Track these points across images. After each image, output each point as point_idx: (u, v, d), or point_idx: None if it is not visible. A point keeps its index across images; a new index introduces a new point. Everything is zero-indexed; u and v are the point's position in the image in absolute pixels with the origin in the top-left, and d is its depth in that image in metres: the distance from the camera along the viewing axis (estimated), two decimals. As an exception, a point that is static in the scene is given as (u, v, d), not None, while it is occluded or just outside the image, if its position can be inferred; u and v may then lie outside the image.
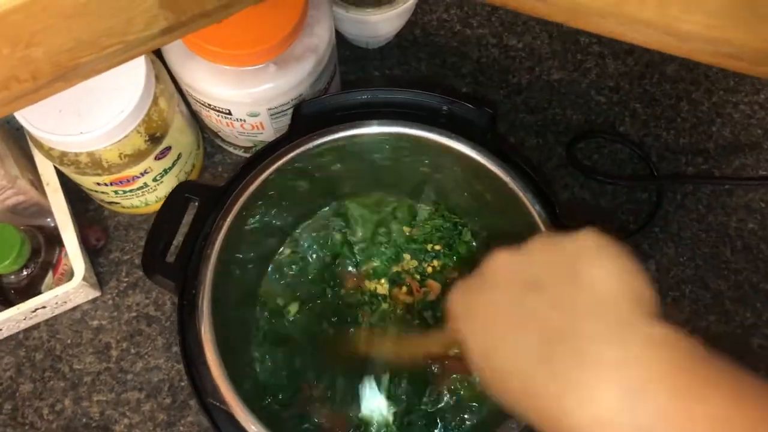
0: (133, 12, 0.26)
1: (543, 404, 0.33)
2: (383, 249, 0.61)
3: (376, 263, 0.61)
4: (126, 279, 0.66)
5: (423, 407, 0.55)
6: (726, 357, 0.31)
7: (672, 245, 0.66)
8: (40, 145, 0.58)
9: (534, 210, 0.48)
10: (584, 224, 0.37)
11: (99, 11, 0.25)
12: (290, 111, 0.59)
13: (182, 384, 0.63)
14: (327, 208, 0.62)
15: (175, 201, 0.50)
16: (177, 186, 0.51)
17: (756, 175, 0.67)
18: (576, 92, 0.71)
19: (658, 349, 0.31)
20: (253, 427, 0.44)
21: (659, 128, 0.69)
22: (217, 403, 0.45)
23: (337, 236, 0.61)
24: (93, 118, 0.54)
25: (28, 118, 0.55)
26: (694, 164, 0.68)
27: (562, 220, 0.48)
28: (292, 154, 0.50)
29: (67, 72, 0.28)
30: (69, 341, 0.64)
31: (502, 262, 0.38)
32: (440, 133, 0.50)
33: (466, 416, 0.55)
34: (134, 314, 0.65)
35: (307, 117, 0.52)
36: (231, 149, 0.69)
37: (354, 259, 0.61)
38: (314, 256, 0.61)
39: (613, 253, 0.35)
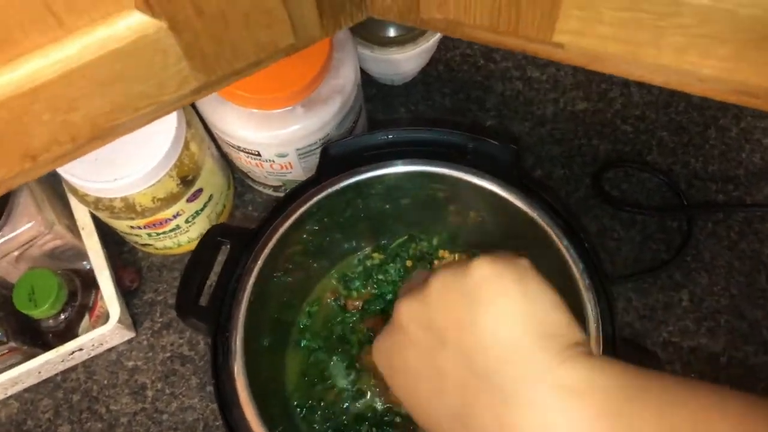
0: (165, 75, 0.27)
1: None
2: None
3: None
4: (160, 319, 0.67)
5: None
6: (655, 376, 0.30)
7: (705, 274, 0.65)
8: (75, 191, 0.59)
9: (562, 245, 0.48)
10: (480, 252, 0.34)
11: (134, 77, 0.26)
12: (318, 150, 0.60)
13: (217, 423, 0.63)
14: (358, 252, 0.63)
15: (207, 245, 0.51)
16: (209, 230, 0.52)
17: (788, 201, 0.67)
18: (602, 122, 0.71)
19: (577, 395, 0.29)
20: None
21: (687, 156, 0.69)
22: (252, 446, 0.45)
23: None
24: (127, 164, 0.56)
25: (65, 165, 0.56)
26: (725, 191, 0.68)
27: (592, 255, 0.48)
28: (320, 196, 0.51)
29: (104, 132, 0.29)
30: (105, 382, 0.65)
31: (405, 312, 0.36)
32: (465, 171, 0.51)
33: None
34: (168, 354, 0.66)
35: (335, 158, 0.53)
36: (261, 188, 0.70)
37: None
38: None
39: (511, 286, 0.32)
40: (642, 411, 0.28)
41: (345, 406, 0.58)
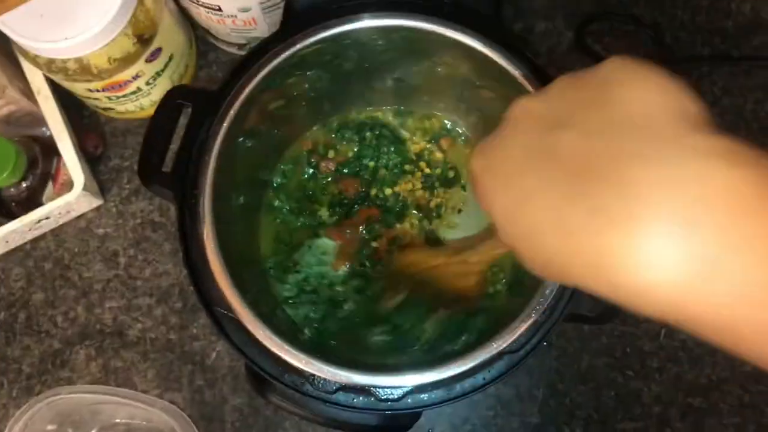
0: None
1: (585, 254, 0.27)
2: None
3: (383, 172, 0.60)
4: (128, 186, 0.65)
5: None
6: None
7: (685, 131, 0.63)
8: (25, 53, 0.55)
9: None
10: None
11: None
12: (282, 4, 0.56)
13: (192, 288, 0.63)
14: (323, 120, 0.61)
15: (167, 108, 0.48)
16: (167, 92, 0.49)
17: (775, 54, 0.64)
18: (587, -29, 0.67)
19: (715, 161, 0.25)
20: (260, 332, 0.44)
21: (675, 7, 0.66)
22: (224, 311, 0.45)
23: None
24: (77, 22, 0.52)
25: (9, 24, 0.52)
26: (711, 44, 0.65)
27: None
28: (285, 54, 0.47)
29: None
30: (76, 250, 0.64)
31: (521, 110, 0.32)
32: (442, 24, 0.47)
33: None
34: (139, 221, 0.65)
35: (300, 12, 0.49)
36: (225, 47, 0.66)
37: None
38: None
39: (647, 70, 0.29)
40: None
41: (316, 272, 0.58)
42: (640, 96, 0.28)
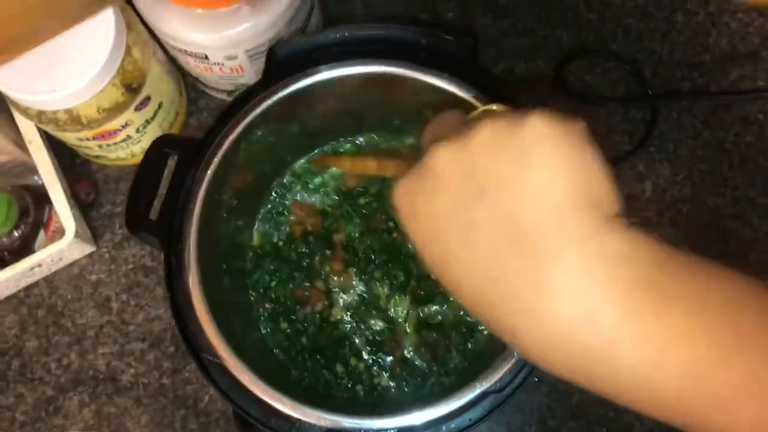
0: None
1: (497, 322, 0.32)
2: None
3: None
4: (120, 231, 0.66)
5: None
6: (703, 261, 0.30)
7: (668, 164, 0.64)
8: (16, 105, 0.57)
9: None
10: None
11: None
12: (267, 52, 0.57)
13: (184, 332, 0.63)
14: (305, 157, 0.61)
15: (154, 157, 0.49)
16: (153, 142, 0.50)
17: (753, 87, 0.65)
18: (566, 9, 0.68)
19: (616, 263, 0.29)
20: (245, 377, 0.45)
21: (653, 43, 0.67)
22: (211, 358, 0.45)
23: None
24: (65, 74, 0.53)
25: (0, 76, 0.53)
26: (690, 79, 0.66)
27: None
28: (268, 102, 0.48)
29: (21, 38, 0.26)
30: (69, 296, 0.65)
31: (443, 156, 0.33)
32: (418, 69, 0.49)
33: None
34: (131, 266, 0.65)
35: (283, 59, 0.51)
36: (215, 93, 0.67)
37: None
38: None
39: (567, 148, 0.31)
40: (678, 283, 0.29)
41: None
42: (554, 182, 0.30)
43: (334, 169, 0.61)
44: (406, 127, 0.59)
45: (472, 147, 0.32)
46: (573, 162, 0.30)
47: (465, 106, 0.49)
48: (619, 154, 0.64)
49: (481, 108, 0.37)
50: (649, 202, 0.64)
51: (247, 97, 0.49)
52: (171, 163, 0.50)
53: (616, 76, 0.66)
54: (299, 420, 0.44)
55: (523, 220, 0.30)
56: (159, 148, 0.49)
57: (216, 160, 0.48)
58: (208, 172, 0.48)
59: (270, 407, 0.44)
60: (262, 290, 0.59)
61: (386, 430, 0.44)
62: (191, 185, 0.48)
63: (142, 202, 0.48)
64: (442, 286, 0.35)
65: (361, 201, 0.60)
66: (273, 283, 0.58)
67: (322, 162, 0.60)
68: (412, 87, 0.49)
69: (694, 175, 0.64)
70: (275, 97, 0.49)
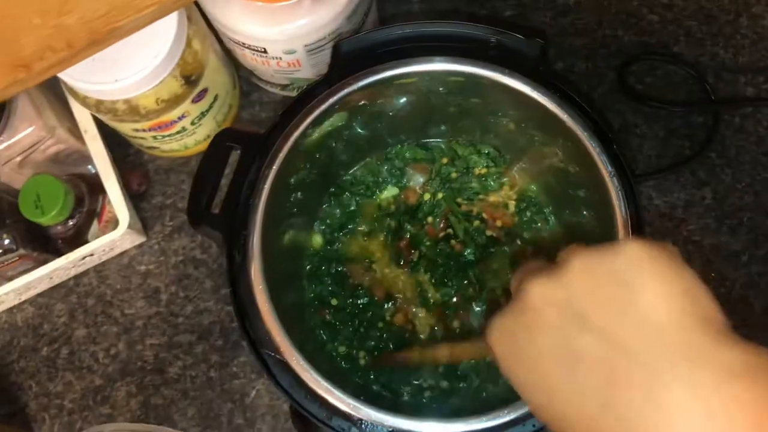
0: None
1: None
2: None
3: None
4: (170, 223, 0.66)
5: None
6: None
7: (729, 171, 0.63)
8: (75, 94, 0.57)
9: (592, 148, 0.46)
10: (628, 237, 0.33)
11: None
12: (327, 46, 0.57)
13: (233, 325, 0.63)
14: (373, 155, 0.60)
15: (217, 150, 0.49)
16: (217, 135, 0.49)
17: (821, 94, 0.64)
18: (627, 11, 0.67)
19: (737, 381, 0.28)
20: (307, 374, 0.44)
21: (716, 46, 0.65)
22: (271, 353, 0.45)
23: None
24: (127, 64, 0.53)
25: (62, 67, 0.53)
26: (754, 84, 0.64)
27: (617, 152, 0.46)
28: (333, 99, 0.48)
29: (102, 37, 0.26)
30: (119, 287, 0.65)
31: (540, 292, 0.34)
32: (489, 68, 0.48)
33: None
34: (181, 258, 0.65)
35: (347, 55, 0.50)
36: (268, 87, 0.67)
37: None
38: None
39: (666, 267, 0.31)
40: None
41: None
42: (662, 302, 0.30)
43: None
44: (473, 130, 0.58)
45: (566, 280, 0.33)
46: (677, 281, 0.31)
47: (536, 110, 0.48)
48: (680, 159, 0.63)
49: (567, 249, 0.37)
50: (709, 210, 0.62)
51: (311, 93, 0.49)
52: (233, 157, 0.50)
53: (678, 79, 0.65)
54: (361, 420, 0.43)
55: (635, 343, 0.30)
56: (222, 142, 0.49)
57: (281, 155, 0.47)
58: (274, 167, 0.47)
59: (331, 406, 0.44)
60: (320, 294, 0.58)
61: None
62: (254, 180, 0.47)
63: (204, 196, 0.48)
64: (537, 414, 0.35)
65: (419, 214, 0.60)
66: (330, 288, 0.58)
67: (390, 360, 0.56)
68: (483, 86, 0.49)
69: (757, 183, 0.62)
70: (340, 94, 0.48)
